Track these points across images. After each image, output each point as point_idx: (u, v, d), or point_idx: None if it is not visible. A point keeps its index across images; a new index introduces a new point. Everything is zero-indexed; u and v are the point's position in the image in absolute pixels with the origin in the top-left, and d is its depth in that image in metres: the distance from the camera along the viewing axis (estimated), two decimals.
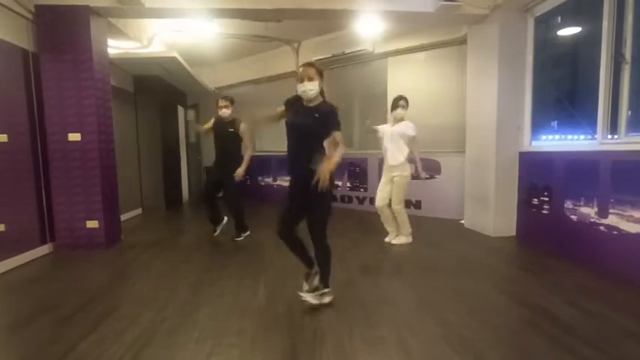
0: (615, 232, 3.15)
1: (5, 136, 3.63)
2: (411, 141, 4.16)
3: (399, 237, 4.34)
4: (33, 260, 3.84)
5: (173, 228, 5.78)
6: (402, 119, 4.20)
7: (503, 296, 2.82)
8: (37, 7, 3.91)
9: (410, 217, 5.81)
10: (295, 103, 2.57)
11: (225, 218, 4.76)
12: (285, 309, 2.59)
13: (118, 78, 5.94)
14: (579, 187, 3.53)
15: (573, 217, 3.59)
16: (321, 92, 2.56)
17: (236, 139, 4.42)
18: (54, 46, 3.99)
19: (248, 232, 4.66)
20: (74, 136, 4.09)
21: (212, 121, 4.51)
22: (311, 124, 2.47)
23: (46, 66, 4.00)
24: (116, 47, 5.28)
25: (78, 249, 4.14)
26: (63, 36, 3.98)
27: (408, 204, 6.05)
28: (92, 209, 4.18)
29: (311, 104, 2.52)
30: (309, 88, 2.46)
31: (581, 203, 3.49)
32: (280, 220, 2.65)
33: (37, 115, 4.01)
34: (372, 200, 6.45)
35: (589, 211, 3.41)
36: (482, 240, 4.43)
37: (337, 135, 2.45)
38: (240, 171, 4.32)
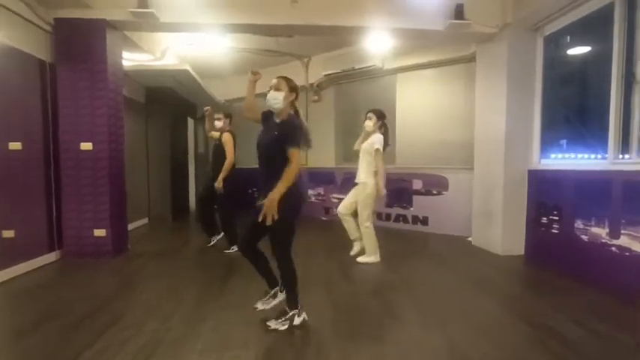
0: (627, 254, 3.09)
1: (19, 143, 3.70)
2: (375, 154, 4.02)
3: (364, 255, 4.18)
4: (40, 267, 3.86)
5: (179, 238, 5.79)
6: (372, 132, 4.10)
7: (509, 314, 2.78)
8: (56, 20, 4.03)
9: (417, 232, 5.85)
10: (268, 119, 2.55)
11: (222, 233, 4.75)
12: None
13: (131, 89, 6.06)
14: (590, 207, 3.48)
15: (584, 237, 3.54)
16: (296, 112, 2.55)
17: (222, 152, 4.46)
18: (70, 58, 4.09)
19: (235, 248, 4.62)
20: (86, 145, 4.15)
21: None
22: (268, 143, 2.41)
23: (62, 76, 4.09)
24: (130, 59, 5.40)
25: (85, 257, 4.16)
26: (79, 48, 4.09)
27: (415, 220, 6.05)
28: (100, 218, 4.21)
29: (278, 120, 2.48)
30: (273, 97, 2.44)
31: (592, 223, 3.44)
32: (241, 236, 2.61)
33: (51, 124, 4.09)
34: (379, 215, 6.44)
35: (600, 232, 3.36)
36: (489, 258, 4.37)
37: (290, 152, 2.32)
38: (217, 183, 4.40)
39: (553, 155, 4.27)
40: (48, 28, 4.01)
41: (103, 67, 4.13)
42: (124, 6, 3.97)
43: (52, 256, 4.10)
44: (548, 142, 4.34)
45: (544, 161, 4.34)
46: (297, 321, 2.47)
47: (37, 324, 2.52)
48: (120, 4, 4.00)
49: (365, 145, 4.14)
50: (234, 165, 4.48)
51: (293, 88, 2.52)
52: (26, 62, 3.80)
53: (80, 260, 4.11)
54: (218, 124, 4.55)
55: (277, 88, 2.46)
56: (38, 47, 3.92)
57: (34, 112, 3.92)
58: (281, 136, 2.38)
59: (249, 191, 8.67)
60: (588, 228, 3.49)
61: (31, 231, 3.91)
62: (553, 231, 3.94)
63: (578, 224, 3.60)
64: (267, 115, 2.57)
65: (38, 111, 3.96)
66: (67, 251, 4.21)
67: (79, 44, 4.09)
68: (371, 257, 4.16)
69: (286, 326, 2.44)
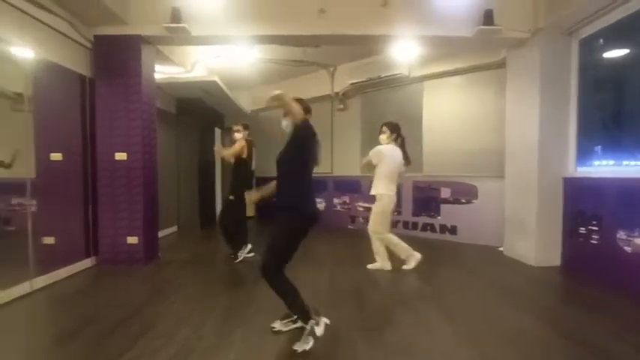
0: None
1: (60, 154, 3.89)
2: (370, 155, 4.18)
3: (374, 263, 4.22)
4: (77, 273, 4.01)
5: (208, 246, 5.88)
6: (387, 144, 4.16)
7: (547, 329, 2.66)
8: (95, 37, 4.24)
9: (445, 242, 5.72)
10: None
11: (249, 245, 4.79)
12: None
13: (163, 101, 6.26)
14: (633, 217, 3.31)
15: (627, 249, 3.35)
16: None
17: (238, 162, 4.59)
18: (108, 72, 4.28)
19: (241, 257, 4.65)
20: (121, 155, 4.31)
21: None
22: (281, 156, 2.47)
23: (100, 90, 4.29)
24: (162, 72, 5.60)
25: (119, 264, 4.29)
26: (116, 63, 4.28)
27: (443, 229, 5.92)
28: (133, 226, 4.35)
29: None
30: (287, 126, 2.45)
31: (636, 234, 3.26)
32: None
33: (89, 136, 4.28)
34: (405, 224, 6.35)
35: None
36: (523, 269, 4.21)
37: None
38: (216, 147, 4.55)
39: (596, 162, 4.09)
40: (88, 44, 4.22)
41: (137, 81, 4.30)
42: (158, 22, 4.13)
43: (87, 263, 4.25)
44: (584, 149, 4.17)
45: (581, 168, 4.16)
46: (318, 331, 2.37)
47: (76, 329, 2.61)
48: (154, 19, 4.17)
49: None
50: (247, 169, 4.64)
51: (306, 110, 2.50)
52: (69, 78, 4.01)
53: (114, 267, 4.24)
54: (237, 135, 4.63)
55: (286, 114, 2.45)
56: (79, 63, 4.12)
57: (74, 124, 4.12)
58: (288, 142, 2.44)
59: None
60: (632, 239, 3.31)
61: (69, 238, 4.08)
62: (592, 241, 3.76)
63: (621, 235, 3.42)
64: None
65: (78, 123, 4.16)
66: (102, 258, 4.35)
67: (116, 59, 4.28)
68: (381, 264, 4.18)
69: (311, 342, 2.33)
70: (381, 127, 4.22)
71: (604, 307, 3.07)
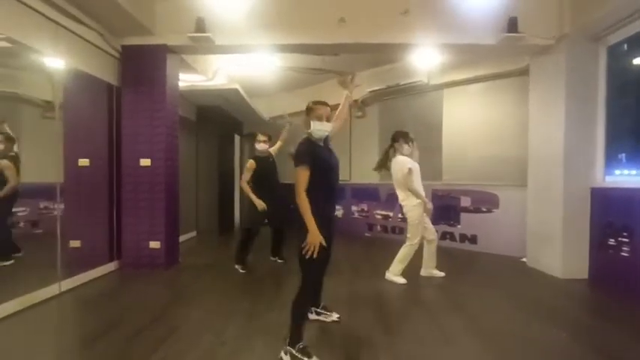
0: None
1: (87, 160, 4.01)
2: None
3: (387, 273, 4.08)
4: (102, 276, 4.09)
5: (227, 252, 5.90)
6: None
7: (577, 345, 2.57)
8: (123, 47, 4.37)
9: (464, 251, 5.63)
10: (316, 147, 2.37)
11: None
12: (341, 341, 2.53)
13: (184, 108, 6.38)
14: None
15: None
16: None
17: (276, 168, 4.64)
18: (134, 81, 4.40)
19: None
20: (145, 162, 4.40)
21: (250, 173, 4.42)
22: (338, 165, 2.48)
23: (126, 98, 4.40)
24: (185, 80, 5.71)
25: (141, 268, 4.36)
26: (142, 72, 4.39)
27: (463, 238, 5.83)
28: (155, 231, 4.41)
29: (322, 143, 2.42)
30: (329, 130, 2.39)
31: None
32: (320, 273, 2.52)
33: (115, 142, 4.39)
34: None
35: None
36: (549, 281, 4.10)
37: None
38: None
39: (626, 172, 3.98)
40: (116, 54, 4.35)
41: (162, 90, 4.40)
42: (183, 31, 4.23)
43: (111, 266, 4.34)
44: (613, 159, 4.06)
45: (608, 178, 4.05)
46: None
47: (102, 332, 2.67)
48: (179, 30, 4.27)
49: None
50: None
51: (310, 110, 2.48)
52: (97, 86, 4.14)
53: (136, 271, 4.31)
54: (264, 145, 4.51)
55: (329, 119, 2.43)
56: (107, 72, 4.26)
57: (101, 131, 4.24)
58: None
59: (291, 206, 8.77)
60: None
61: (94, 242, 4.18)
62: (622, 254, 3.64)
63: None
64: (313, 147, 2.36)
65: (105, 130, 4.28)
66: (124, 262, 4.43)
67: (143, 68, 4.39)
68: (394, 275, 4.05)
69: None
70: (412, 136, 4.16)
71: (635, 322, 2.96)
